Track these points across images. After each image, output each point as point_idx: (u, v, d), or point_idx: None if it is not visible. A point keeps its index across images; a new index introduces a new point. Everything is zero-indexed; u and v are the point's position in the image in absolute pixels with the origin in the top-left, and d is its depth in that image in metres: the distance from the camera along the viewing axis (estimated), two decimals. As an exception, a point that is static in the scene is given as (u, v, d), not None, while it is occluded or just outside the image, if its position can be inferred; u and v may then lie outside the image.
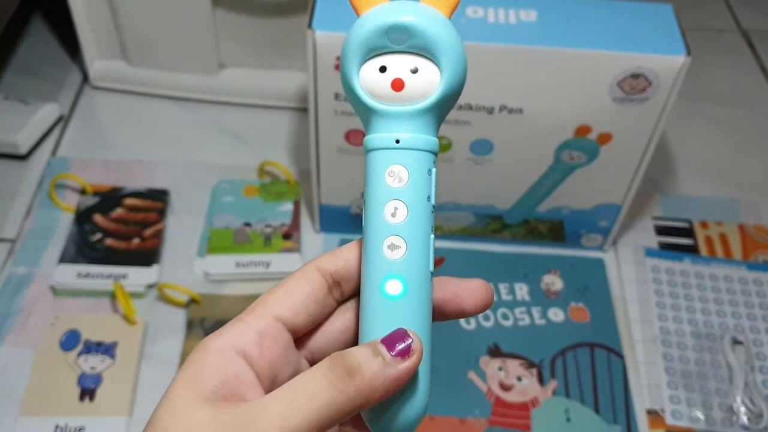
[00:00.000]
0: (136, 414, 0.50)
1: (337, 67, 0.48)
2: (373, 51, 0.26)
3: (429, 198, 0.26)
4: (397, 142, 0.26)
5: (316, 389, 0.23)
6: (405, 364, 0.24)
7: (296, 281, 0.26)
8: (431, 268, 0.26)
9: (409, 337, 0.24)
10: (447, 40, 0.25)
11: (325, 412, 0.23)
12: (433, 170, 0.26)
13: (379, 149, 0.26)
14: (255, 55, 0.70)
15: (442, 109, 0.26)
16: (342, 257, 0.27)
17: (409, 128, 0.26)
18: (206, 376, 0.24)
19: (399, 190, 0.25)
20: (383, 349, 0.24)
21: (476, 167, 0.55)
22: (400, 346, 0.24)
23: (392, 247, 0.25)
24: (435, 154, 0.26)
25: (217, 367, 0.24)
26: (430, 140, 0.26)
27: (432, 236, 0.26)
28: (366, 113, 0.26)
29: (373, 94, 0.26)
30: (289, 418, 0.22)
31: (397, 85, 0.25)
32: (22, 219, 0.61)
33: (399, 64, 0.25)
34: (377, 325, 0.25)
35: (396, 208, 0.25)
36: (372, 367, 0.23)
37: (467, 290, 0.27)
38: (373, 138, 0.26)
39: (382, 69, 0.26)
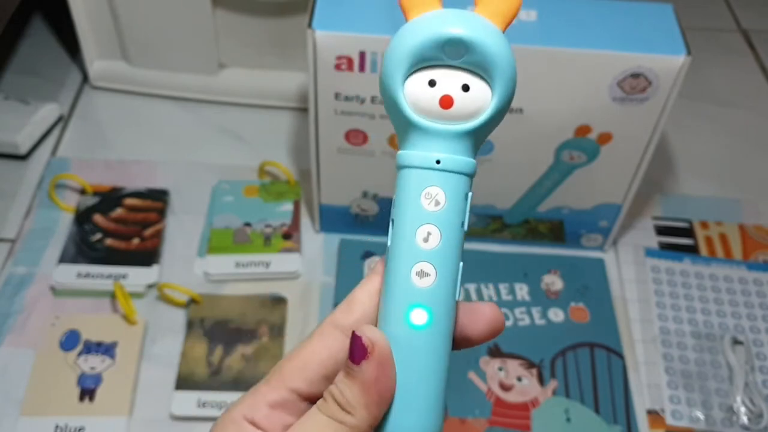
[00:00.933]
0: (136, 414, 0.50)
1: (337, 66, 0.48)
2: (423, 62, 0.24)
3: (463, 224, 0.25)
4: (438, 162, 0.24)
5: (319, 428, 0.23)
6: (370, 365, 0.23)
7: (312, 347, 0.25)
8: (458, 296, 0.25)
9: (358, 336, 0.23)
10: (505, 59, 0.24)
11: None
12: (470, 194, 0.25)
13: (417, 168, 0.24)
14: (255, 55, 0.70)
15: (486, 130, 0.25)
16: (358, 306, 0.26)
17: (451, 149, 0.24)
18: None
19: (434, 214, 0.24)
20: (350, 364, 0.23)
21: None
22: (357, 352, 0.23)
23: (421, 274, 0.24)
24: (472, 176, 0.25)
25: None
26: (469, 162, 0.25)
27: (461, 264, 0.25)
28: (406, 127, 0.25)
29: (418, 109, 0.24)
30: None
31: (446, 102, 0.24)
32: (22, 219, 0.61)
33: (450, 80, 0.24)
34: (400, 358, 0.24)
35: (429, 233, 0.24)
36: (352, 390, 0.23)
37: (472, 317, 0.26)
38: (411, 155, 0.24)
39: (432, 83, 0.24)
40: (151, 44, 0.69)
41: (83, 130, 0.69)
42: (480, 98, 0.24)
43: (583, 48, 0.47)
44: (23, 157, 0.66)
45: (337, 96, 0.50)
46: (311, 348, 0.25)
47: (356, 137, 0.53)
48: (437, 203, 0.24)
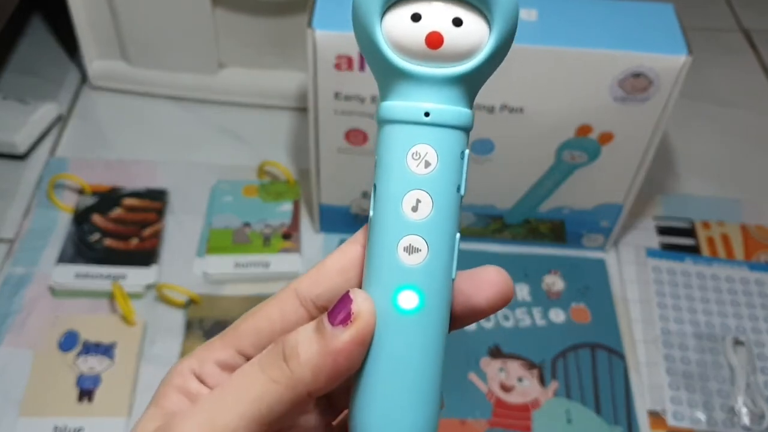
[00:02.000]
0: (135, 415, 0.50)
1: (337, 66, 0.48)
2: None
3: (459, 188, 0.21)
4: (427, 115, 0.20)
5: (249, 382, 0.20)
6: (345, 334, 0.20)
7: (268, 313, 0.23)
8: (453, 275, 0.21)
9: (350, 298, 0.20)
10: None
11: (259, 407, 0.20)
12: (466, 152, 0.21)
13: (402, 123, 0.20)
14: (255, 54, 0.69)
15: (484, 74, 0.21)
16: (325, 278, 0.22)
17: (443, 98, 0.20)
18: (167, 396, 0.23)
19: (424, 178, 0.20)
20: (326, 321, 0.20)
21: (477, 167, 0.54)
22: (340, 314, 0.20)
23: (410, 249, 0.20)
24: (469, 130, 0.21)
25: (176, 386, 0.23)
26: (465, 113, 0.21)
27: (458, 236, 0.21)
28: (386, 73, 0.21)
29: (400, 50, 0.20)
30: (213, 420, 0.20)
31: (434, 40, 0.20)
32: (21, 219, 0.61)
33: (438, 13, 0.20)
34: (384, 347, 0.21)
35: (418, 201, 0.20)
36: (310, 347, 0.20)
37: (476, 283, 0.22)
38: (394, 107, 0.20)
39: (415, 17, 0.20)
40: (151, 44, 0.68)
41: (82, 129, 0.69)
42: (475, 34, 0.20)
43: (584, 47, 0.47)
44: (22, 157, 0.66)
45: (336, 95, 0.50)
46: (266, 313, 0.23)
47: (356, 137, 0.53)
48: (427, 164, 0.20)
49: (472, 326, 0.56)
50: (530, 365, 0.54)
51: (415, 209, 0.20)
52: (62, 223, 0.61)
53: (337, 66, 0.48)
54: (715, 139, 0.72)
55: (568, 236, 0.61)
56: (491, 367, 0.54)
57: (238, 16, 0.66)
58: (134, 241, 0.59)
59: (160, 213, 0.61)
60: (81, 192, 0.62)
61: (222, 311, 0.55)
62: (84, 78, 0.73)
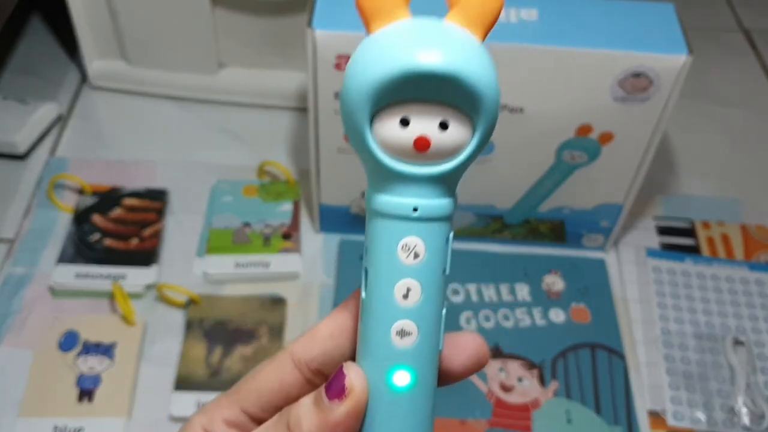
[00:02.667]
0: (135, 415, 0.50)
1: (337, 66, 0.48)
2: (392, 98, 0.20)
3: (445, 270, 0.22)
4: (415, 210, 0.21)
5: None
6: (341, 408, 0.21)
7: (267, 375, 0.24)
8: (440, 346, 0.23)
9: (343, 374, 0.22)
10: (490, 88, 0.20)
11: None
12: (451, 235, 0.22)
13: (391, 217, 0.21)
14: (254, 54, 0.69)
15: (467, 166, 0.22)
16: (317, 342, 0.24)
17: (429, 193, 0.21)
18: None
19: (413, 268, 0.21)
20: (323, 394, 0.22)
21: (476, 167, 0.54)
22: (335, 389, 0.21)
23: (402, 333, 0.22)
24: (452, 217, 0.22)
25: None
26: (449, 204, 0.22)
27: (444, 311, 0.23)
28: (376, 170, 0.21)
29: (389, 150, 0.21)
30: None
31: (422, 144, 0.20)
32: (21, 219, 0.61)
33: (425, 118, 0.20)
34: (381, 422, 0.22)
35: (409, 289, 0.21)
36: (311, 420, 0.21)
37: (454, 350, 0.24)
38: (384, 201, 0.21)
39: (404, 122, 0.20)
40: (150, 43, 0.68)
41: (82, 129, 0.69)
42: (460, 135, 0.21)
43: (584, 47, 0.47)
44: (22, 157, 0.66)
45: (336, 95, 0.50)
46: (265, 375, 0.24)
47: (356, 137, 0.53)
48: (416, 255, 0.21)
49: (472, 326, 0.56)
50: (530, 365, 0.54)
51: (405, 296, 0.22)
52: (62, 223, 0.60)
53: (337, 66, 0.48)
54: (715, 139, 0.72)
55: (568, 236, 0.61)
56: (491, 367, 0.54)
57: (238, 15, 0.66)
58: (134, 241, 0.59)
59: (160, 213, 0.61)
60: (81, 192, 0.62)
61: (222, 311, 0.55)
62: (84, 78, 0.73)
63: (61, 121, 0.70)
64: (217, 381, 0.51)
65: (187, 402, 0.50)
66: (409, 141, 0.20)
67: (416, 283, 0.22)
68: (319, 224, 0.61)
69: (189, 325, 0.54)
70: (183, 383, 0.51)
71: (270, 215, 0.61)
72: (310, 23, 0.47)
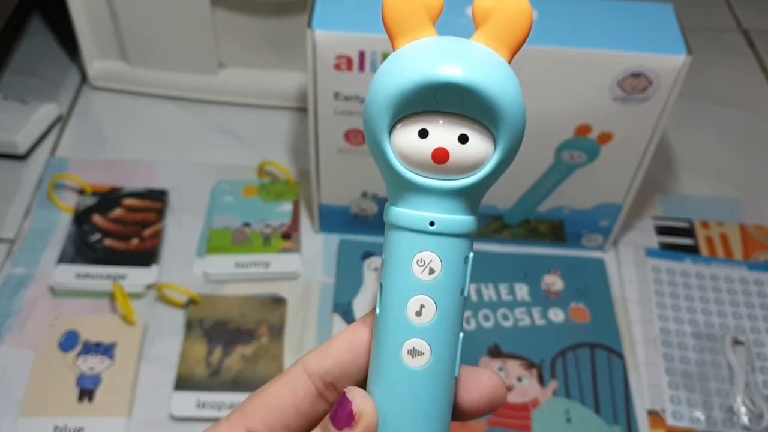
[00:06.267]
0: (135, 414, 0.50)
1: (336, 66, 0.48)
2: (412, 109, 0.20)
3: (462, 291, 0.21)
4: (432, 224, 0.21)
5: None
6: None
7: (277, 390, 0.23)
8: (456, 373, 0.22)
9: (348, 401, 0.21)
10: (512, 104, 0.20)
11: None
12: (470, 256, 0.21)
13: (407, 230, 0.21)
14: (254, 54, 0.70)
15: (489, 183, 0.21)
16: (333, 355, 0.23)
17: (447, 207, 0.21)
18: None
19: (428, 284, 0.21)
20: (330, 426, 0.21)
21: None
22: (342, 417, 0.21)
23: (413, 352, 0.21)
24: (473, 236, 0.22)
25: None
26: (468, 221, 0.21)
27: (461, 335, 0.22)
28: (394, 181, 0.21)
29: (408, 162, 0.21)
30: None
31: (440, 156, 0.20)
32: (21, 219, 0.61)
33: (445, 131, 0.20)
34: None
35: (422, 306, 0.21)
36: None
37: (467, 385, 0.22)
38: (401, 214, 0.21)
39: (423, 133, 0.20)
40: (151, 44, 0.69)
41: (82, 130, 0.69)
42: (480, 150, 0.21)
43: (583, 48, 0.47)
44: (22, 157, 0.66)
45: (336, 96, 0.50)
46: (275, 390, 0.23)
47: (356, 137, 0.53)
48: (431, 271, 0.21)
49: (472, 326, 0.56)
50: (529, 365, 0.54)
51: (419, 314, 0.21)
52: (62, 223, 0.61)
53: (337, 66, 0.48)
54: (714, 139, 0.72)
55: (568, 236, 0.61)
56: (491, 366, 0.54)
57: (238, 16, 0.66)
58: (134, 241, 0.59)
59: (160, 213, 0.61)
60: (81, 192, 0.62)
61: (222, 311, 0.55)
62: (84, 78, 0.73)
63: (61, 121, 0.70)
64: (216, 381, 0.52)
65: (187, 401, 0.50)
66: (428, 152, 0.20)
67: (430, 301, 0.21)
68: (319, 224, 0.61)
69: (189, 325, 0.54)
70: (183, 383, 0.51)
71: (270, 215, 0.61)
72: (309, 24, 0.47)
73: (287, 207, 0.62)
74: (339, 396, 0.21)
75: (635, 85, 0.49)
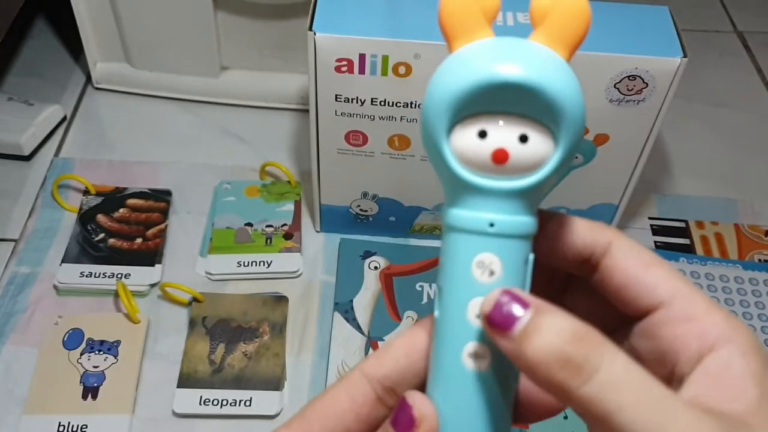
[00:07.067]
0: (139, 412, 0.51)
1: (337, 68, 0.49)
2: (471, 110, 0.20)
3: None
4: (491, 225, 0.20)
5: None
6: None
7: (336, 395, 0.23)
8: (519, 377, 0.22)
9: (409, 405, 0.21)
10: (573, 103, 0.20)
11: None
12: (530, 258, 0.21)
13: (467, 232, 0.21)
14: (256, 57, 0.70)
15: (549, 185, 0.21)
16: (391, 359, 0.23)
17: (507, 208, 0.20)
18: None
19: (488, 287, 0.20)
20: (391, 429, 0.21)
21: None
22: (403, 421, 0.21)
23: (475, 356, 0.21)
24: (533, 237, 0.21)
25: None
26: (528, 222, 0.21)
27: None
28: (452, 183, 0.21)
29: (467, 163, 0.20)
30: None
31: (500, 156, 0.20)
32: (26, 219, 0.62)
33: (504, 131, 0.20)
34: None
35: None
36: None
37: (529, 396, 0.22)
38: (460, 216, 0.21)
39: (482, 134, 0.20)
40: (154, 46, 0.69)
41: (86, 131, 0.70)
42: (540, 150, 0.20)
43: (579, 50, 0.48)
44: (27, 158, 0.67)
45: (337, 98, 0.51)
46: (335, 396, 0.23)
47: (356, 138, 0.54)
48: (492, 273, 0.20)
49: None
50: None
51: (479, 316, 0.20)
52: (67, 223, 0.61)
53: (338, 69, 0.49)
54: (709, 140, 0.73)
55: (565, 236, 0.61)
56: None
57: (240, 19, 0.67)
58: (138, 241, 0.60)
59: (163, 213, 0.62)
60: (86, 192, 0.63)
61: (225, 309, 0.56)
62: (88, 80, 0.74)
63: (65, 122, 0.70)
64: (219, 378, 0.52)
65: (190, 399, 0.51)
66: (487, 153, 0.20)
67: None
68: (320, 224, 0.61)
69: (192, 323, 0.55)
70: (186, 380, 0.52)
71: (272, 215, 0.62)
72: (311, 27, 0.48)
73: (289, 207, 0.63)
74: (399, 400, 0.21)
75: (631, 87, 0.49)
